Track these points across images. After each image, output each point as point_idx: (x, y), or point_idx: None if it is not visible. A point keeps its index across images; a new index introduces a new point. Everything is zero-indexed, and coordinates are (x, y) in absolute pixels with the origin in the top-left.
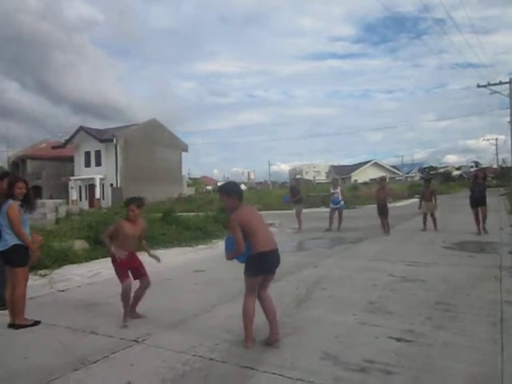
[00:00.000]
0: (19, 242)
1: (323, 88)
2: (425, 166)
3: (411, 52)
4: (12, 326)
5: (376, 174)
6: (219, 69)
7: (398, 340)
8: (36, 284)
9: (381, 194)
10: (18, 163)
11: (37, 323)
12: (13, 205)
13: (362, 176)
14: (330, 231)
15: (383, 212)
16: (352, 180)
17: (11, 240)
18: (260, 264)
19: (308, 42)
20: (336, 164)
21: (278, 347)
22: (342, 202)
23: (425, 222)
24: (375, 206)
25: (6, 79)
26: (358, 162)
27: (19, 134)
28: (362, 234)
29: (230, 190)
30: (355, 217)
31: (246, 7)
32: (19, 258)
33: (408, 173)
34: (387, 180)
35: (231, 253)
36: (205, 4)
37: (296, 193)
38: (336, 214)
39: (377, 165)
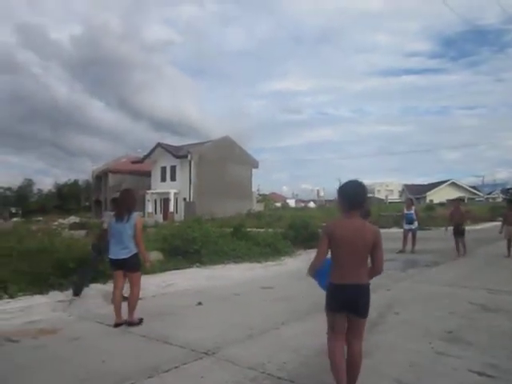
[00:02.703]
0: (136, 251)
1: (397, 104)
2: (508, 186)
3: (494, 66)
4: (117, 325)
5: (453, 194)
6: (291, 87)
7: (480, 374)
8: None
9: (456, 214)
10: (101, 177)
11: (141, 321)
12: (140, 217)
13: (437, 196)
14: (404, 253)
15: (458, 232)
16: (427, 200)
17: (133, 248)
18: (332, 297)
19: (381, 58)
20: (410, 183)
21: None
22: (416, 223)
23: (509, 248)
24: (451, 228)
25: (91, 98)
26: (433, 181)
27: (102, 149)
28: (438, 256)
29: (342, 190)
30: (430, 238)
31: (319, 26)
32: (138, 263)
33: (489, 193)
34: (465, 201)
35: (312, 266)
36: (279, 25)
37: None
38: (410, 235)
39: (454, 185)
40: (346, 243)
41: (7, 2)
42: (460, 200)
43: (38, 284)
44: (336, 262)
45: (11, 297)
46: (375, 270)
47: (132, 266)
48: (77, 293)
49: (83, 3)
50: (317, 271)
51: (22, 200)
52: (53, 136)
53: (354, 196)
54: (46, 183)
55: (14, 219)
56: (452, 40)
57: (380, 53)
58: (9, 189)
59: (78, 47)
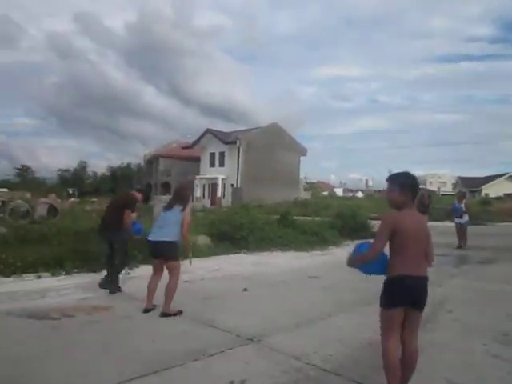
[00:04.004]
0: (177, 239)
1: (453, 92)
2: None
3: None
4: (146, 311)
5: (511, 188)
6: (342, 73)
7: None
8: (165, 273)
9: None
10: (152, 161)
11: (180, 312)
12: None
13: (494, 190)
14: (461, 248)
15: None
16: (483, 193)
17: (174, 236)
18: (396, 291)
19: (438, 44)
20: (464, 175)
21: None
22: (467, 217)
23: None
24: (510, 223)
25: (144, 84)
26: (490, 174)
27: (154, 134)
28: (494, 254)
29: (403, 182)
30: (485, 234)
31: (373, 9)
32: (176, 251)
33: None
34: None
35: (360, 255)
36: (330, 8)
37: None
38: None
39: None
40: (411, 234)
41: None
42: None
43: (92, 262)
44: (400, 254)
45: (67, 273)
46: (429, 262)
47: (169, 254)
48: (113, 291)
49: None
50: (375, 264)
51: (79, 182)
52: (107, 120)
53: (415, 186)
54: (100, 166)
55: (71, 199)
56: None
57: (437, 38)
58: (66, 170)
59: (131, 34)
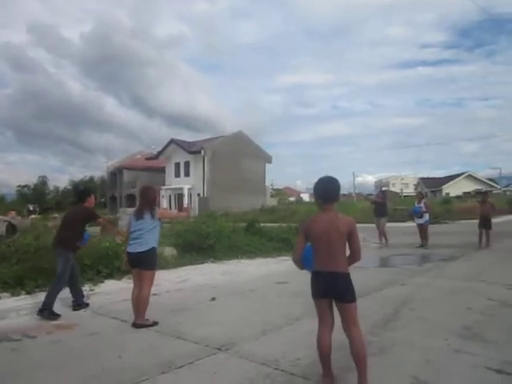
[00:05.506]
0: (155, 245)
1: (412, 97)
2: None
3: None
4: (134, 325)
5: (470, 187)
6: (304, 81)
7: (499, 372)
8: (130, 287)
9: (485, 207)
10: (116, 173)
11: (155, 324)
12: (161, 210)
13: (454, 189)
14: (423, 247)
15: (486, 225)
16: (443, 193)
17: (152, 243)
18: (313, 283)
19: (395, 51)
20: (425, 176)
21: None
22: (427, 217)
23: None
24: (469, 221)
25: (105, 96)
26: (449, 174)
27: (117, 146)
28: (456, 251)
29: (315, 186)
30: (447, 232)
31: (332, 20)
32: (153, 260)
33: (507, 186)
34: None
35: (293, 261)
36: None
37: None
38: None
39: (471, 177)
40: (321, 235)
41: (19, 2)
42: (486, 192)
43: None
44: (315, 253)
45: (28, 293)
46: (353, 258)
47: (146, 262)
48: (47, 317)
49: (93, 0)
50: (303, 260)
51: (39, 197)
52: (67, 133)
53: (325, 191)
54: (62, 180)
55: (32, 216)
56: (468, 30)
57: (394, 45)
58: (26, 186)
59: (89, 45)
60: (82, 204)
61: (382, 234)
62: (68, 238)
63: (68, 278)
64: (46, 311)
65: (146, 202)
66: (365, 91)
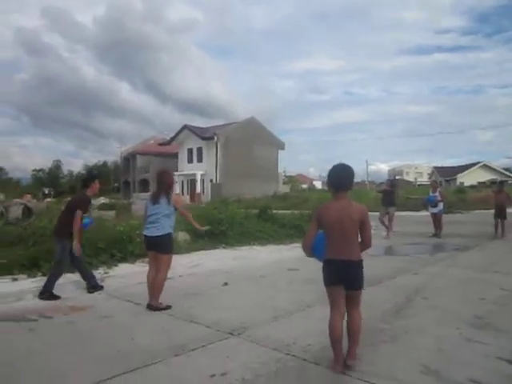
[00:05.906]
0: (171, 231)
1: (427, 84)
2: None
3: None
4: (149, 306)
5: (485, 176)
6: (317, 66)
7: (510, 362)
8: (143, 270)
9: (500, 196)
10: (129, 158)
11: (168, 307)
12: (177, 195)
13: (468, 178)
14: (436, 236)
15: (501, 215)
16: (457, 182)
17: (168, 228)
18: (327, 271)
19: (411, 36)
20: (439, 165)
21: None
22: (441, 206)
23: None
24: (484, 211)
25: (118, 81)
26: (464, 163)
27: (130, 131)
28: (469, 241)
29: (328, 174)
30: (460, 222)
31: (346, 2)
32: (170, 245)
33: None
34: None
35: (303, 247)
36: (304, 2)
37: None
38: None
39: (486, 167)
40: (335, 223)
41: None
42: (502, 182)
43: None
44: (328, 241)
45: (44, 275)
46: (364, 245)
47: (163, 247)
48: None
49: None
50: (313, 248)
51: (54, 181)
52: (81, 118)
53: (338, 179)
54: (76, 165)
55: (47, 199)
56: (486, 15)
57: (410, 30)
58: (41, 170)
59: (102, 29)
60: (85, 189)
61: (391, 223)
62: (61, 226)
63: (68, 263)
64: (47, 293)
65: (162, 186)
66: (378, 77)
